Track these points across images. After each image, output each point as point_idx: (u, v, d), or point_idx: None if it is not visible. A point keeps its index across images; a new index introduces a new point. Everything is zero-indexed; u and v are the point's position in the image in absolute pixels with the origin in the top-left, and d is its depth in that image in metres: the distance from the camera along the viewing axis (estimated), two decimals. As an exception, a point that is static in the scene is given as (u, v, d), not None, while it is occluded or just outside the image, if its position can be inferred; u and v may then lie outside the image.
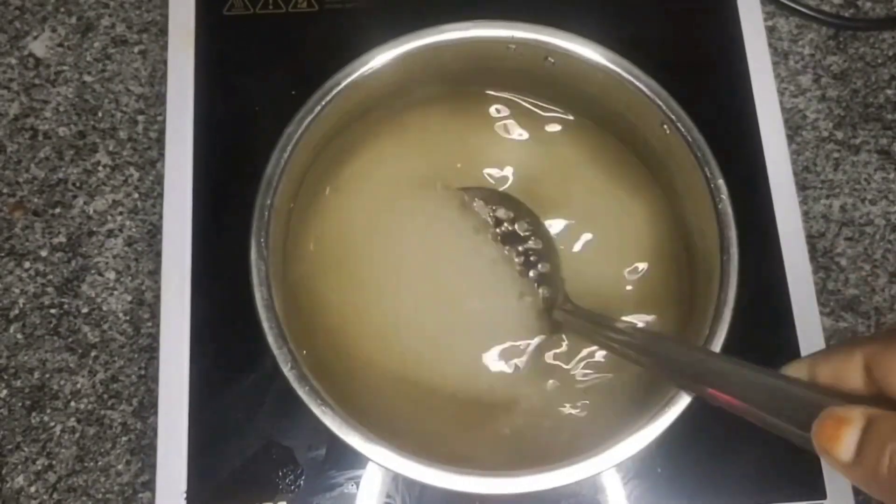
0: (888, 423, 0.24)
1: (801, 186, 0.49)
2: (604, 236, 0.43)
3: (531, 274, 0.41)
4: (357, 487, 0.41)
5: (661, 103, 0.40)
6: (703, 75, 0.48)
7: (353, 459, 0.41)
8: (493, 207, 0.43)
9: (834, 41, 0.53)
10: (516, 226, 0.42)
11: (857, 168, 0.50)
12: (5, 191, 0.48)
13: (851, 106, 0.51)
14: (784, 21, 0.53)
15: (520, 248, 0.42)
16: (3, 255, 0.47)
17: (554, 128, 0.45)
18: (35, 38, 0.51)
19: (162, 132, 0.48)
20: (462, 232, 0.42)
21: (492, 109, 0.45)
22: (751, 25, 0.49)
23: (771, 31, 0.52)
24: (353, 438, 0.35)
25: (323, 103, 0.39)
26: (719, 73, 0.48)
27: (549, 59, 0.41)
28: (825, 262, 0.48)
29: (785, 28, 0.53)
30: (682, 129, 0.39)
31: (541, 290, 0.41)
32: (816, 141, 0.51)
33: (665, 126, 0.40)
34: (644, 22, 0.49)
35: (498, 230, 0.42)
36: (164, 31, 0.50)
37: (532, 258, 0.42)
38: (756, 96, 0.47)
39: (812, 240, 0.49)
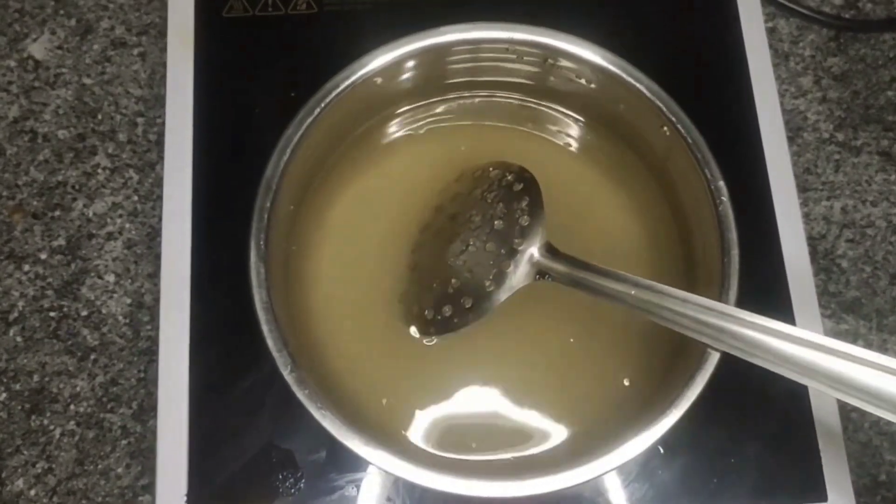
0: None
1: (802, 188, 0.49)
2: (602, 238, 0.43)
3: (521, 222, 0.40)
4: (357, 490, 0.41)
5: (661, 105, 0.40)
6: (704, 77, 0.48)
7: (354, 462, 0.41)
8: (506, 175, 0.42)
9: (834, 42, 0.53)
10: (514, 187, 0.41)
11: (857, 170, 0.50)
12: (5, 194, 0.48)
13: (852, 107, 0.51)
14: (784, 22, 0.53)
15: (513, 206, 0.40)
16: (2, 257, 0.47)
17: (554, 128, 0.45)
18: (34, 40, 0.51)
19: (161, 134, 0.47)
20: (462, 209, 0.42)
21: (492, 109, 0.45)
22: (751, 27, 0.49)
23: (771, 32, 0.52)
24: (352, 442, 0.35)
25: (323, 105, 0.39)
26: (720, 75, 0.48)
27: (549, 60, 0.41)
28: (826, 264, 0.48)
29: (785, 29, 0.53)
30: (682, 131, 0.39)
31: (524, 241, 0.39)
32: (817, 143, 0.51)
33: (665, 128, 0.40)
34: (644, 24, 0.49)
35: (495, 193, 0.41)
36: (163, 34, 0.50)
37: (517, 214, 0.40)
38: (756, 98, 0.47)
39: (813, 241, 0.48)
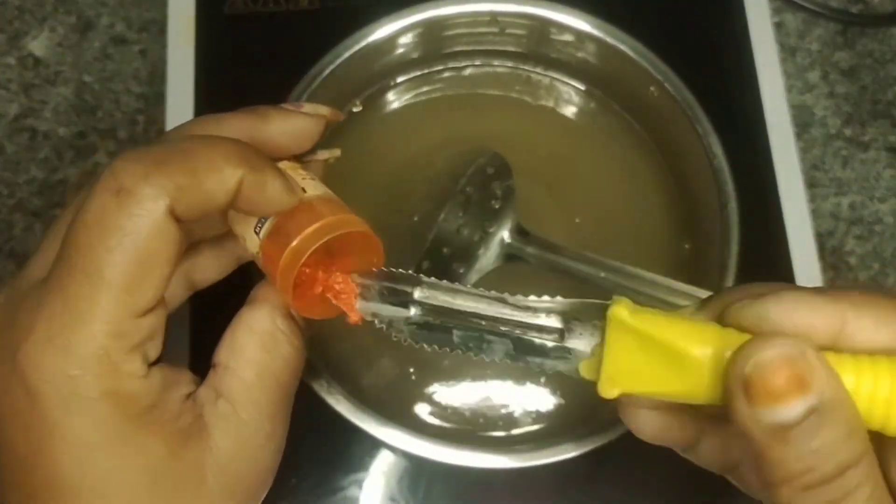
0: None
1: (810, 184, 0.49)
2: (601, 206, 0.43)
3: (492, 205, 0.41)
4: (360, 490, 0.41)
5: (647, 65, 0.40)
6: (710, 72, 0.47)
7: (357, 462, 0.41)
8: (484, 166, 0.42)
9: (842, 37, 0.52)
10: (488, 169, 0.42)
11: (865, 166, 0.50)
12: (5, 192, 0.48)
13: (860, 103, 0.51)
14: (791, 17, 0.53)
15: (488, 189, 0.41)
16: (2, 256, 0.47)
17: (556, 96, 0.46)
18: (34, 37, 0.51)
19: (162, 132, 0.47)
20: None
21: (488, 82, 0.46)
22: (758, 22, 0.49)
23: (778, 27, 0.52)
24: (369, 424, 0.35)
25: (308, 93, 0.40)
26: (726, 70, 0.48)
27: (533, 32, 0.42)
28: (834, 261, 0.48)
29: (792, 24, 0.52)
30: (670, 89, 0.40)
31: (493, 224, 0.41)
32: (824, 138, 0.50)
33: (652, 88, 0.41)
34: (649, 18, 0.49)
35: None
36: (163, 30, 0.50)
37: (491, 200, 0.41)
38: (763, 93, 0.47)
39: (821, 238, 0.48)
